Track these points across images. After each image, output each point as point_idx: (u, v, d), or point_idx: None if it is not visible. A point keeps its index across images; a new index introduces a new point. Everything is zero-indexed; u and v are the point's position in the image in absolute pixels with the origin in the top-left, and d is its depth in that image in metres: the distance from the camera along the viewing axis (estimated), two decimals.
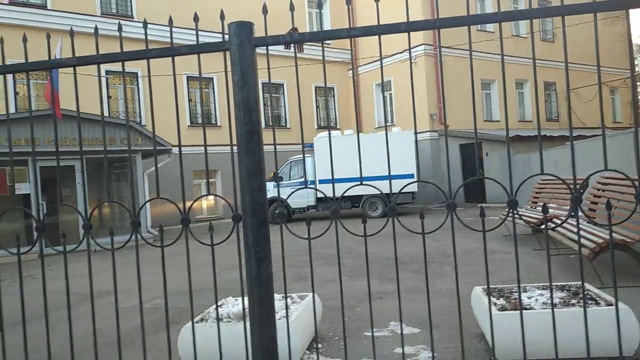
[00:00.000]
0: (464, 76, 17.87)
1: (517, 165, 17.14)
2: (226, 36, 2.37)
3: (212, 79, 19.02)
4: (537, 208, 9.05)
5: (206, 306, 4.36)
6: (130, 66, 15.51)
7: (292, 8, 2.47)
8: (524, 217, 8.17)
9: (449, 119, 19.85)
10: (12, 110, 14.65)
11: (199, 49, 2.45)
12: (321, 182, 16.01)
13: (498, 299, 3.69)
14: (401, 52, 19.35)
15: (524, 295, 3.66)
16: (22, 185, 11.35)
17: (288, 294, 4.08)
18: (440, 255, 7.88)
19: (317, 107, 22.52)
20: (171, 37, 2.57)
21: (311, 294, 4.20)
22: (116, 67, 13.33)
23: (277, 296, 4.04)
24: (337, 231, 2.46)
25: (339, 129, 20.68)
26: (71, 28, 2.63)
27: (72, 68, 2.56)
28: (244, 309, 2.44)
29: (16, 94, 14.87)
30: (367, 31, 2.42)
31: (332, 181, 2.45)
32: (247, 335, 2.40)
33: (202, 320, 3.58)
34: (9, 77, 14.42)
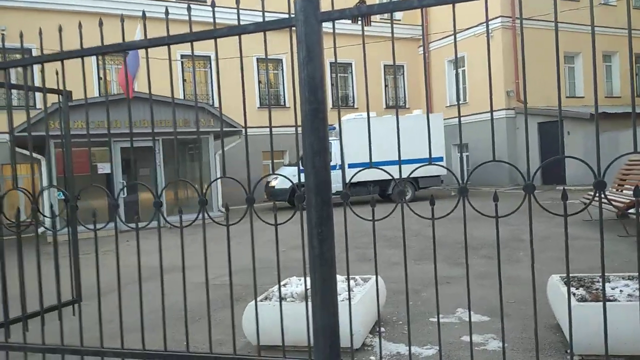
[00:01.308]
0: (543, 49, 16.75)
1: (603, 145, 15.72)
2: (292, 14, 2.33)
3: (280, 60, 19.17)
4: (625, 191, 8.38)
5: (271, 284, 4.42)
6: (203, 49, 15.94)
7: None
8: (611, 201, 7.60)
9: (527, 95, 18.77)
10: (96, 94, 15.60)
11: (265, 26, 2.43)
12: (350, 166, 15.53)
13: (577, 288, 3.44)
14: (476, 26, 18.46)
15: (607, 286, 3.38)
16: (104, 165, 12.10)
17: (351, 276, 4.05)
18: (513, 240, 7.53)
19: (386, 85, 22.09)
20: (238, 16, 2.55)
21: (374, 277, 4.16)
22: (188, 50, 13.65)
23: (340, 278, 4.02)
24: (403, 213, 2.38)
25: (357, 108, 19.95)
26: (143, 11, 2.70)
27: (144, 50, 2.63)
28: (306, 290, 2.43)
29: (99, 78, 15.77)
30: (441, 0, 2.28)
31: (362, 165, 2.36)
32: (309, 317, 2.39)
33: (266, 299, 3.64)
34: (93, 62, 15.31)
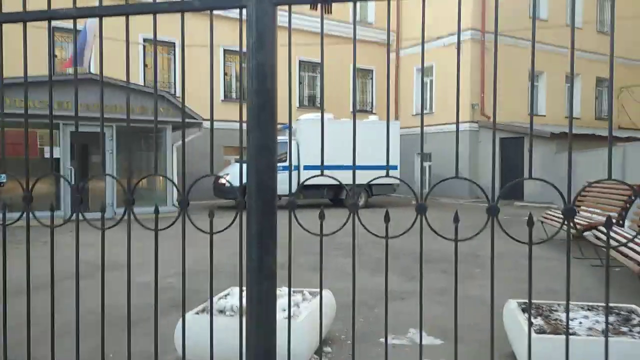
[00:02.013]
0: (511, 65, 17.02)
1: (561, 163, 16.29)
2: None
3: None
4: (582, 212, 8.43)
5: (216, 291, 4.10)
6: (168, 34, 15.34)
7: None
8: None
9: (491, 110, 19.04)
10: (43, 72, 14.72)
11: (211, 3, 2.11)
12: (305, 168, 15.06)
13: (535, 317, 3.25)
14: (446, 37, 18.59)
15: (563, 316, 3.22)
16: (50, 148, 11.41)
17: (299, 289, 3.77)
18: (470, 255, 7.41)
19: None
20: None
21: (325, 290, 3.88)
22: (150, 34, 13.03)
23: (286, 290, 3.74)
24: (355, 226, 2.12)
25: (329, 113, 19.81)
26: None
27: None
28: (241, 304, 2.12)
29: (54, 56, 14.92)
30: None
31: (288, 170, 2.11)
32: (242, 335, 2.10)
33: (204, 310, 3.31)
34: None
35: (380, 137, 11.33)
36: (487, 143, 18.99)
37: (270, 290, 2.07)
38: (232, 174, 13.88)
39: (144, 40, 16.55)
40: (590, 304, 3.52)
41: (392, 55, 22.89)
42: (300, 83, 20.78)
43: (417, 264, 6.61)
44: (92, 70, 15.35)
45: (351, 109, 20.99)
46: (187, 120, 12.93)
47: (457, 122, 2.14)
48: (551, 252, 7.70)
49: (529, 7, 20.09)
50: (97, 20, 2.30)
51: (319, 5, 2.15)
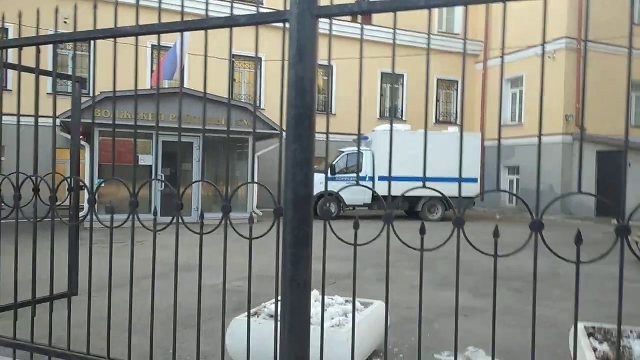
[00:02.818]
0: (608, 75, 15.78)
1: None
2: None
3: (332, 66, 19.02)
4: None
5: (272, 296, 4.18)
6: (254, 51, 16.02)
7: None
8: None
9: (587, 121, 17.73)
10: (148, 85, 15.99)
11: (257, 18, 2.21)
12: (380, 179, 14.92)
13: (601, 342, 2.97)
14: (537, 46, 17.64)
15: (637, 341, 2.91)
16: (145, 156, 12.32)
17: (351, 299, 3.74)
18: (549, 275, 6.92)
19: (437, 100, 21.47)
20: (232, 6, 2.35)
21: (378, 301, 3.82)
22: (242, 51, 13.74)
23: (339, 299, 3.73)
24: (389, 237, 2.09)
25: (405, 121, 19.26)
26: None
27: (135, 37, 2.47)
28: (276, 311, 2.17)
29: (152, 71, 16.12)
30: (450, 1, 1.97)
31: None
32: (277, 344, 2.13)
33: (255, 314, 3.39)
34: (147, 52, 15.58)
35: (457, 149, 10.91)
36: (583, 156, 17.67)
37: (303, 299, 2.10)
38: None
39: (233, 56, 17.41)
40: None
41: (480, 66, 22.12)
42: (381, 95, 20.72)
43: (487, 281, 6.31)
44: (185, 85, 16.41)
45: (434, 120, 20.60)
46: (267, 131, 13.39)
47: (540, 134, 2.03)
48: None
49: (635, 12, 18.52)
50: (188, 36, 2.49)
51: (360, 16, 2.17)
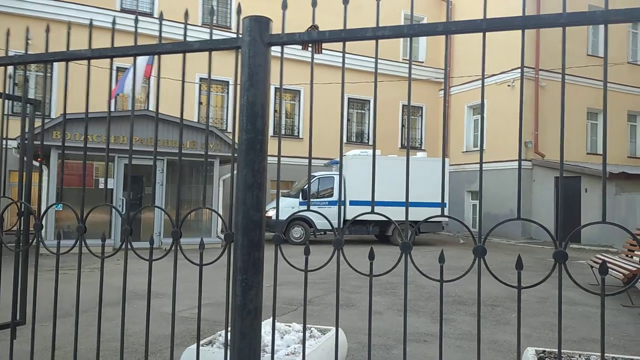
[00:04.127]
0: (567, 103, 16.46)
1: (620, 205, 15.36)
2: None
3: (299, 91, 19.20)
4: (635, 258, 7.86)
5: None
6: (222, 74, 16.01)
7: (314, 3, 2.15)
8: (614, 268, 7.11)
9: (546, 148, 18.39)
10: (114, 107, 15.74)
11: (210, 45, 2.21)
12: (351, 203, 14.92)
13: None
14: (497, 74, 18.33)
15: None
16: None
17: (308, 325, 3.70)
18: (508, 299, 7.04)
19: (403, 125, 21.90)
20: (185, 32, 2.36)
21: (334, 329, 3.79)
22: (207, 74, 13.66)
23: (297, 327, 3.68)
24: (339, 264, 2.09)
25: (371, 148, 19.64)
26: (91, 21, 2.51)
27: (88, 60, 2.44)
28: (226, 340, 2.12)
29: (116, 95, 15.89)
30: (397, 31, 2.03)
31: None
32: None
33: (210, 342, 3.31)
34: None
35: (428, 174, 11.38)
36: (541, 182, 18.25)
37: (254, 327, 2.06)
38: (280, 209, 14.18)
39: (200, 79, 17.39)
40: (625, 357, 3.24)
41: (442, 93, 22.76)
42: (348, 120, 20.98)
43: (449, 306, 6.37)
44: (150, 107, 16.26)
45: (399, 145, 20.94)
46: (226, 154, 13.33)
47: (519, 165, 2.07)
48: (596, 300, 7.20)
49: (588, 45, 19.50)
50: (146, 58, 2.45)
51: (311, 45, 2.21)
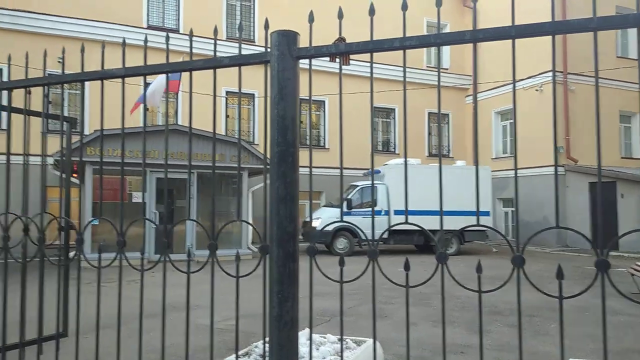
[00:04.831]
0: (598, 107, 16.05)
1: None
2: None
3: (323, 101, 19.29)
4: None
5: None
6: (249, 87, 16.22)
7: (340, 15, 2.18)
8: None
9: (578, 153, 17.95)
10: (141, 122, 16.14)
11: (239, 60, 2.26)
12: (396, 213, 14.94)
13: None
14: (525, 79, 18.03)
15: None
16: (138, 194, 12.31)
17: (344, 337, 3.69)
18: (547, 308, 6.86)
19: (430, 133, 21.73)
20: (215, 48, 2.42)
21: (371, 339, 3.76)
22: (234, 87, 13.92)
23: (332, 338, 3.67)
24: (374, 275, 2.08)
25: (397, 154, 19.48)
26: (124, 40, 2.60)
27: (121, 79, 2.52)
28: (264, 351, 2.14)
29: (146, 109, 16.28)
30: (425, 41, 2.04)
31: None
32: None
33: (246, 354, 3.33)
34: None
35: (470, 182, 11.16)
36: (575, 187, 17.79)
37: (290, 338, 2.07)
38: (324, 219, 14.15)
39: (226, 92, 17.67)
40: None
41: (468, 99, 22.52)
42: (374, 129, 20.96)
43: (486, 317, 6.24)
44: (179, 122, 16.59)
45: (426, 153, 20.76)
46: (260, 166, 13.46)
47: (556, 172, 2.06)
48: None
49: (617, 46, 19.03)
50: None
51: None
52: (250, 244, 13.56)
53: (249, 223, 2.42)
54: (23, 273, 2.73)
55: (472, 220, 14.95)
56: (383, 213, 14.99)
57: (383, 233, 2.47)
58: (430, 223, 2.13)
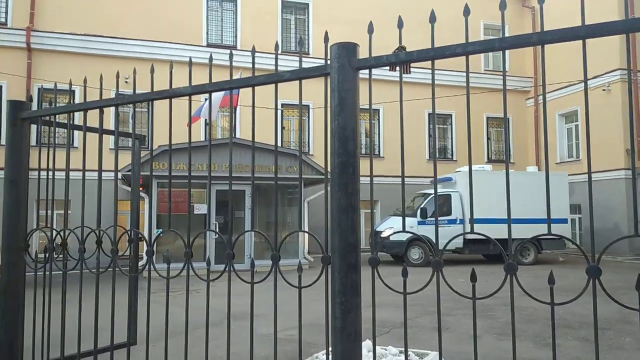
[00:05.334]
0: None
1: None
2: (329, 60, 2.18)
3: (378, 110, 19.24)
4: None
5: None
6: (304, 99, 16.50)
7: (400, 25, 2.17)
8: None
9: None
10: (202, 137, 16.73)
11: (300, 73, 2.30)
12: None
13: None
14: (590, 79, 17.15)
15: None
16: (201, 206, 12.71)
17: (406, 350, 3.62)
18: (620, 321, 6.44)
19: (489, 138, 21.10)
20: (276, 63, 2.47)
21: (434, 352, 3.67)
22: (289, 99, 14.30)
23: (393, 350, 3.62)
24: (439, 286, 2.04)
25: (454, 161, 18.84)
26: (190, 58, 2.71)
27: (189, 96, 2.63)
28: None
29: (208, 125, 16.88)
30: (488, 46, 1.98)
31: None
32: None
33: None
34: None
35: (544, 189, 10.51)
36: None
37: (354, 349, 2.06)
38: (397, 229, 13.67)
39: (282, 105, 17.99)
40: None
41: (531, 102, 21.71)
42: (430, 135, 20.60)
43: (550, 330, 5.91)
44: (238, 135, 17.04)
45: (485, 159, 20.14)
46: (314, 176, 13.55)
47: (590, 171, 1.98)
48: None
49: None
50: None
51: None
52: (307, 254, 13.64)
53: (311, 234, 2.44)
54: (97, 283, 2.88)
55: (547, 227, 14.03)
56: (458, 222, 14.54)
57: (446, 245, 2.42)
58: (505, 231, 2.05)
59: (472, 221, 2.08)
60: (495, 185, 9.62)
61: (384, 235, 13.89)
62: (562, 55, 16.35)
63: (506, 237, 2.02)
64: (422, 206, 14.53)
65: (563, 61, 16.46)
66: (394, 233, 11.65)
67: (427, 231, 12.72)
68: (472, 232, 2.10)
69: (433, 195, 14.74)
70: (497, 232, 7.38)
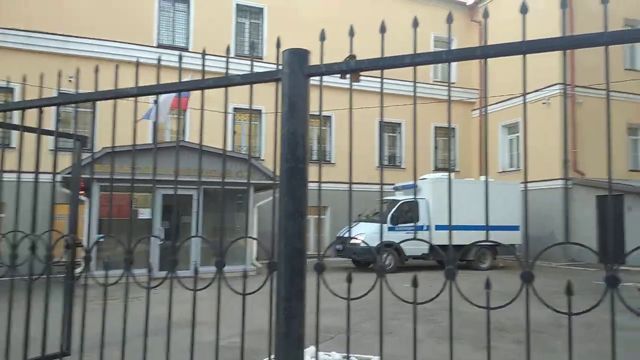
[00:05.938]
0: (604, 119, 16.02)
1: None
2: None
3: (329, 117, 19.40)
4: None
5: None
6: (255, 103, 16.35)
7: (351, 33, 2.20)
8: None
9: (585, 166, 17.87)
10: (149, 139, 16.26)
11: (251, 78, 2.28)
12: (437, 227, 14.66)
13: None
14: (531, 92, 18.04)
15: None
16: (145, 210, 12.33)
17: (351, 355, 3.65)
18: (552, 325, 6.77)
19: (436, 147, 21.73)
20: (227, 67, 2.44)
21: (377, 357, 3.73)
22: (242, 104, 14.14)
23: (337, 356, 3.64)
24: (382, 292, 2.06)
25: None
26: (137, 60, 2.64)
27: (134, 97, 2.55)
28: None
29: (155, 126, 16.44)
30: (435, 57, 2.05)
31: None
32: None
33: None
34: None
35: (501, 198, 10.91)
36: (581, 201, 17.67)
37: (298, 355, 2.06)
38: (368, 235, 13.60)
39: (234, 109, 17.79)
40: None
41: (476, 113, 22.55)
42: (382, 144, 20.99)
43: (492, 333, 6.14)
44: (187, 138, 16.68)
45: (432, 168, 20.72)
46: (267, 181, 13.47)
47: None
48: None
49: (625, 59, 19.05)
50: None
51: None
52: (255, 260, 13.51)
53: (257, 240, 2.41)
54: (29, 291, 2.73)
55: (504, 234, 14.92)
56: (425, 228, 14.73)
57: (379, 246, 2.45)
58: (467, 238, 2.11)
59: (454, 229, 2.13)
60: (457, 194, 9.87)
61: (356, 240, 13.66)
62: (505, 69, 17.09)
63: (466, 243, 2.07)
64: (393, 212, 14.61)
65: (506, 74, 17.19)
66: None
67: (397, 238, 12.84)
68: (414, 238, 2.15)
69: (401, 202, 14.95)
70: (459, 238, 7.63)
